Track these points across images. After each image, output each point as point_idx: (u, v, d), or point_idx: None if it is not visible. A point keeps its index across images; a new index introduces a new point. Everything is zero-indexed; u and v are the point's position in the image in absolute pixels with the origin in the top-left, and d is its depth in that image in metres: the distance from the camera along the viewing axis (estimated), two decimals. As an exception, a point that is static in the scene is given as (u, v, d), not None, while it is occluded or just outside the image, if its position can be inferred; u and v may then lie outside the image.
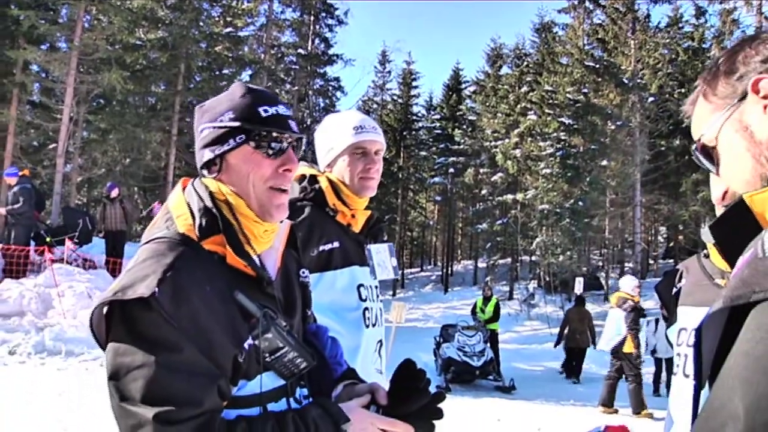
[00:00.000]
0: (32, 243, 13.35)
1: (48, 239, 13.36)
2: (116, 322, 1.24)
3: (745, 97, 0.95)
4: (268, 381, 1.35)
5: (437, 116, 42.23)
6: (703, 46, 28.61)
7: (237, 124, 1.39)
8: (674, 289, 2.29)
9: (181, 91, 22.20)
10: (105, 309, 1.26)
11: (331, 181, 2.29)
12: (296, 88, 30.31)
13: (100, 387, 7.88)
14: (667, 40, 28.07)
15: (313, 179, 2.29)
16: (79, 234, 13.96)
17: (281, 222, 1.49)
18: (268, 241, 1.46)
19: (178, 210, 1.39)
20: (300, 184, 2.27)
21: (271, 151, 1.40)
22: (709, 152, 1.02)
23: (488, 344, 13.51)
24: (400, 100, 42.05)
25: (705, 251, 2.22)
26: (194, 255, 1.30)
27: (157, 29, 22.10)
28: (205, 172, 1.45)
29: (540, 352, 18.83)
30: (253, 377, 1.32)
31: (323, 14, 31.43)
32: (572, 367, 14.96)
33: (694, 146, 1.06)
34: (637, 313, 10.06)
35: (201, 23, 23.18)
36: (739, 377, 0.66)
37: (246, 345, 1.29)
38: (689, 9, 29.68)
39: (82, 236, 14.17)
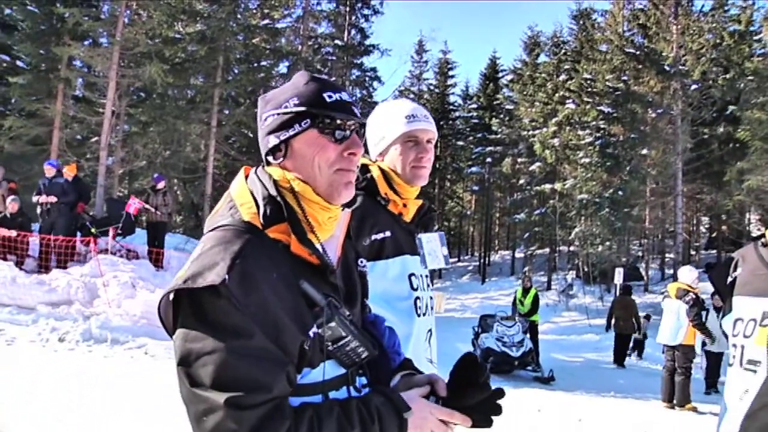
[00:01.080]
0: (78, 234, 13.65)
1: (93, 230, 13.63)
2: (185, 309, 1.26)
3: None
4: (330, 369, 1.36)
5: (474, 105, 42.00)
6: (751, 29, 27.82)
7: (302, 109, 1.40)
8: (729, 279, 2.25)
9: (219, 83, 22.39)
10: (172, 296, 1.28)
11: (382, 170, 2.30)
12: (333, 78, 30.38)
13: (144, 373, 8.05)
14: (712, 25, 27.37)
15: (365, 168, 2.30)
16: (122, 225, 14.22)
17: (343, 210, 1.50)
18: (331, 228, 1.47)
19: (242, 198, 1.40)
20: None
21: (336, 136, 1.41)
22: None
23: (527, 335, 13.43)
24: (436, 90, 41.94)
25: (764, 239, 2.18)
26: (260, 243, 1.31)
27: (195, 22, 22.32)
28: (270, 158, 1.46)
29: (579, 343, 18.72)
30: (317, 365, 1.33)
31: (359, 4, 31.44)
32: (619, 353, 15.53)
33: None
34: (700, 306, 9.86)
35: (239, 16, 23.33)
36: None
37: (311, 333, 1.30)
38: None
39: (126, 227, 14.42)
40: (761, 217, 26.24)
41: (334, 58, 30.70)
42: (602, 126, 27.04)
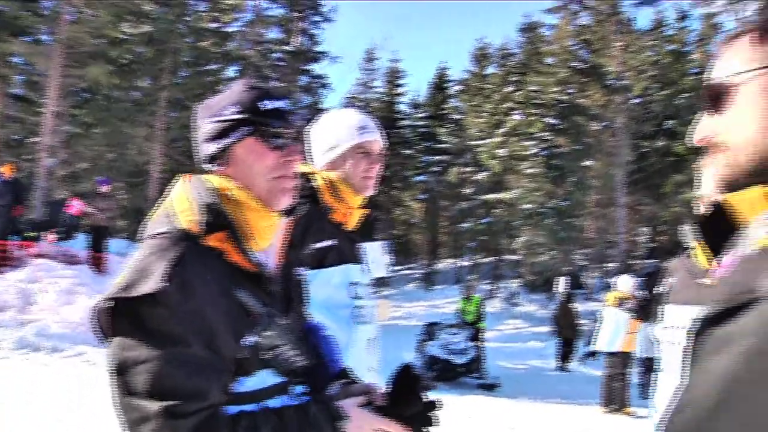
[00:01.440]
0: (16, 237, 13.22)
1: (32, 234, 13.24)
2: (122, 317, 1.24)
3: None
4: (267, 378, 1.36)
5: (422, 115, 42.21)
6: (686, 49, 28.91)
7: (242, 116, 1.41)
8: (660, 288, 2.33)
9: (167, 86, 22.03)
10: (109, 304, 1.26)
11: (326, 179, 2.31)
12: (282, 84, 30.22)
13: (87, 383, 7.86)
14: (652, 43, 28.30)
15: (309, 177, 2.31)
16: (63, 227, 13.84)
17: (282, 218, 1.51)
18: (270, 236, 1.47)
19: (180, 205, 1.39)
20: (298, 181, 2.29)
21: (275, 143, 1.42)
22: (723, 92, 0.98)
23: (472, 342, 13.56)
24: (385, 98, 42.06)
25: (691, 251, 2.26)
26: (197, 251, 1.31)
27: (143, 24, 21.92)
28: (208, 166, 1.47)
29: (523, 350, 18.98)
30: (253, 374, 1.33)
31: (310, 11, 31.34)
32: (563, 358, 16.16)
33: (710, 81, 1.01)
34: (640, 312, 10.10)
35: (187, 18, 23.01)
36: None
37: (247, 341, 1.31)
38: (672, 12, 29.96)
39: (67, 229, 14.05)
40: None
41: (283, 63, 30.52)
42: (547, 137, 27.51)
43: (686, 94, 24.78)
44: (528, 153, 28.07)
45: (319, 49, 31.58)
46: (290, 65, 30.44)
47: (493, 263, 33.18)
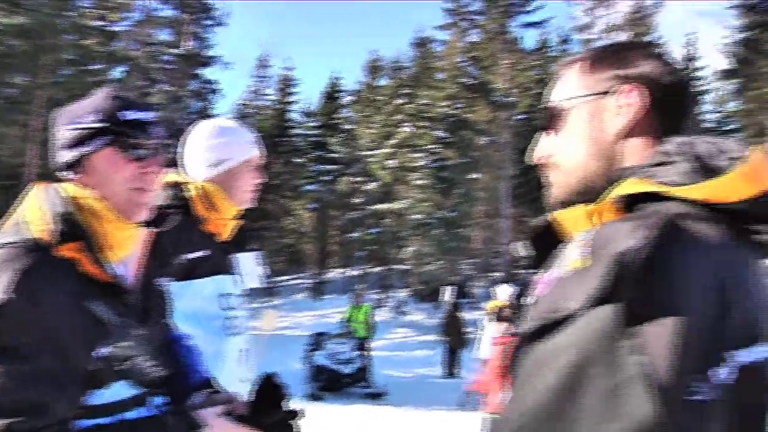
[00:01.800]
0: None
1: None
2: None
3: (611, 94, 1.01)
4: (123, 389, 1.33)
5: (314, 124, 42.12)
6: (567, 70, 30.39)
7: (101, 125, 1.38)
8: (527, 298, 2.43)
9: (45, 84, 20.82)
10: None
11: (200, 189, 2.28)
12: (171, 88, 29.43)
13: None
14: (537, 63, 29.54)
15: (183, 187, 2.27)
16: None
17: (143, 228, 1.48)
18: (129, 247, 1.44)
19: (32, 214, 1.34)
20: (169, 191, 2.25)
21: (134, 155, 1.39)
22: (557, 115, 1.07)
23: (359, 352, 13.62)
24: (277, 106, 41.75)
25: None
26: (48, 261, 1.27)
27: (16, 14, 20.56)
28: (64, 174, 1.43)
29: (411, 359, 19.23)
30: (108, 386, 1.30)
31: (201, 14, 30.71)
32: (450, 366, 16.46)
33: (548, 103, 1.10)
34: (512, 321, 10.40)
35: (70, 13, 21.77)
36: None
37: (100, 353, 1.28)
38: (555, 35, 31.46)
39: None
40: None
41: (173, 67, 29.71)
42: (436, 150, 28.09)
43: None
44: (417, 165, 28.56)
45: (210, 53, 31.01)
46: (180, 69, 29.70)
47: (382, 273, 33.50)
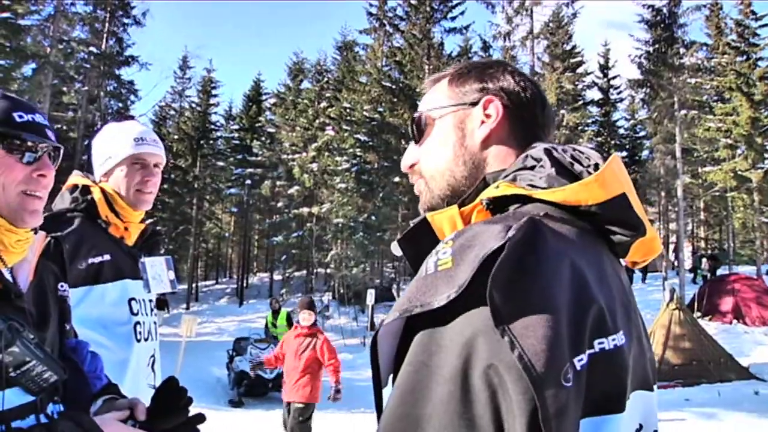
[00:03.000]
0: None
1: None
2: None
3: (476, 105, 1.10)
4: (13, 397, 1.29)
5: (236, 127, 41.66)
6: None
7: None
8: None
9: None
10: None
11: (104, 192, 2.25)
12: (87, 88, 28.47)
13: None
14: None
15: (86, 190, 2.23)
16: None
17: (35, 233, 1.45)
18: (21, 252, 1.41)
19: None
20: (71, 194, 2.21)
21: (25, 157, 1.36)
22: (423, 125, 1.16)
23: (281, 357, 13.53)
24: (198, 108, 41.01)
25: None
26: None
27: None
28: None
29: (333, 363, 19.22)
30: None
31: (119, 12, 29.89)
32: None
33: (415, 114, 1.18)
34: None
35: None
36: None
37: None
38: (477, 42, 31.97)
39: None
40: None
41: (89, 66, 28.75)
42: (359, 153, 28.20)
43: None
44: (339, 168, 28.60)
45: (128, 53, 30.22)
46: (96, 68, 28.79)
47: (305, 277, 33.37)
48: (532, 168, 0.97)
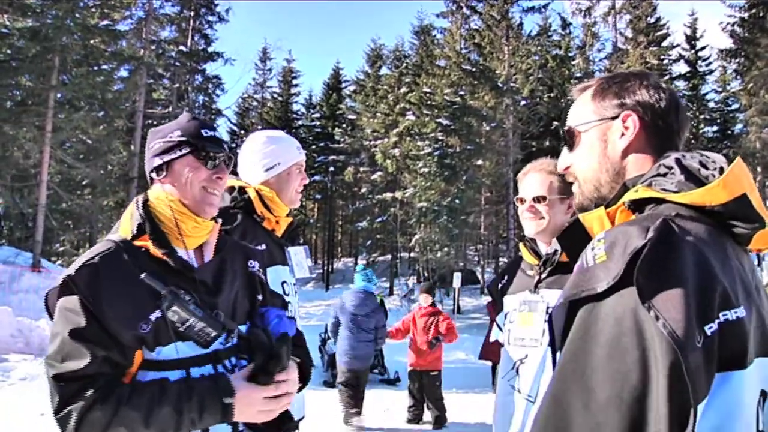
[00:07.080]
0: None
1: None
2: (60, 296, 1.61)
3: (616, 118, 1.30)
4: (186, 348, 1.63)
5: (317, 115, 42.30)
6: (569, 54, 30.37)
7: (184, 139, 1.77)
8: (500, 284, 2.77)
9: (55, 85, 20.78)
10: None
11: (258, 192, 2.59)
12: (176, 85, 29.68)
13: None
14: (538, 48, 29.56)
15: (242, 190, 2.59)
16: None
17: (213, 222, 1.84)
18: (200, 235, 1.80)
19: (123, 220, 1.77)
20: (231, 195, 2.57)
21: (208, 163, 1.78)
22: (574, 135, 1.37)
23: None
24: (280, 99, 41.89)
25: (520, 252, 2.72)
26: (122, 250, 1.67)
27: (25, 17, 20.61)
28: (153, 175, 1.81)
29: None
30: (167, 344, 1.61)
31: (204, 10, 30.93)
32: None
33: (566, 125, 1.40)
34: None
35: (77, 14, 21.69)
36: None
37: (152, 317, 1.59)
38: (557, 20, 31.42)
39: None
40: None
41: (177, 63, 29.91)
42: (440, 137, 28.20)
43: (569, 98, 25.99)
44: (421, 153, 28.69)
45: (213, 49, 31.25)
46: (184, 65, 29.90)
47: (390, 261, 33.75)
48: (665, 175, 1.19)
